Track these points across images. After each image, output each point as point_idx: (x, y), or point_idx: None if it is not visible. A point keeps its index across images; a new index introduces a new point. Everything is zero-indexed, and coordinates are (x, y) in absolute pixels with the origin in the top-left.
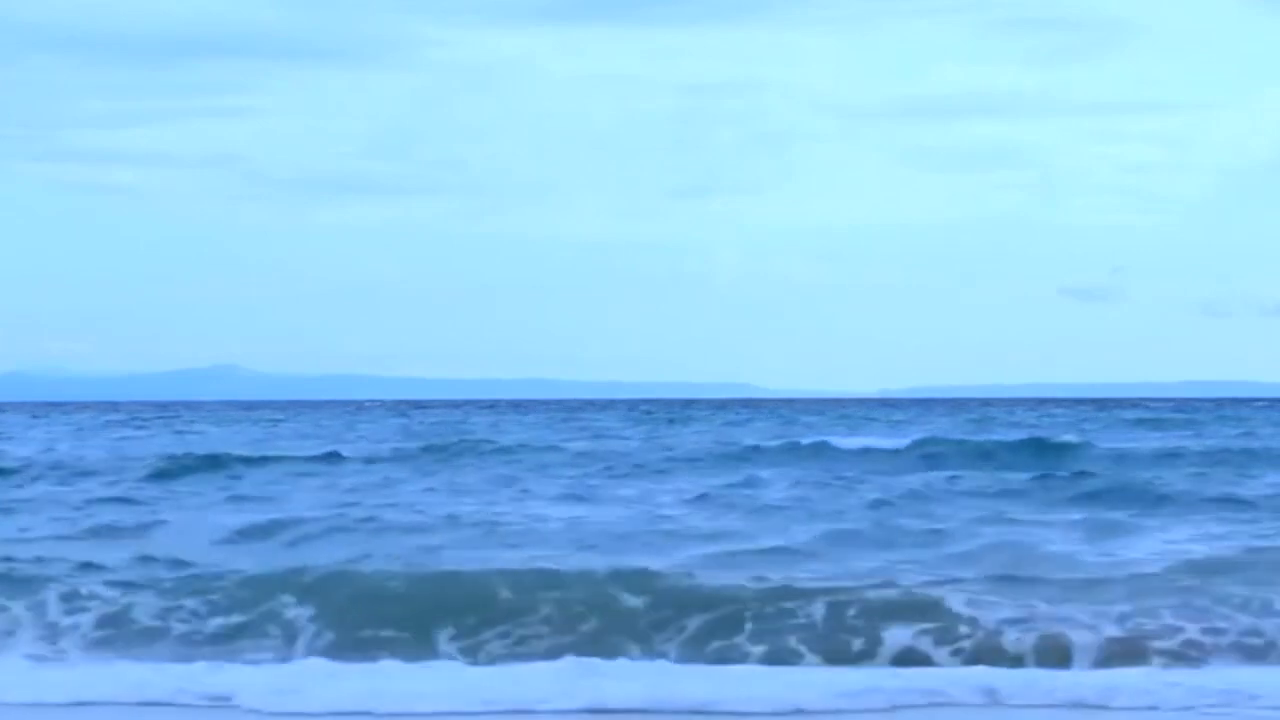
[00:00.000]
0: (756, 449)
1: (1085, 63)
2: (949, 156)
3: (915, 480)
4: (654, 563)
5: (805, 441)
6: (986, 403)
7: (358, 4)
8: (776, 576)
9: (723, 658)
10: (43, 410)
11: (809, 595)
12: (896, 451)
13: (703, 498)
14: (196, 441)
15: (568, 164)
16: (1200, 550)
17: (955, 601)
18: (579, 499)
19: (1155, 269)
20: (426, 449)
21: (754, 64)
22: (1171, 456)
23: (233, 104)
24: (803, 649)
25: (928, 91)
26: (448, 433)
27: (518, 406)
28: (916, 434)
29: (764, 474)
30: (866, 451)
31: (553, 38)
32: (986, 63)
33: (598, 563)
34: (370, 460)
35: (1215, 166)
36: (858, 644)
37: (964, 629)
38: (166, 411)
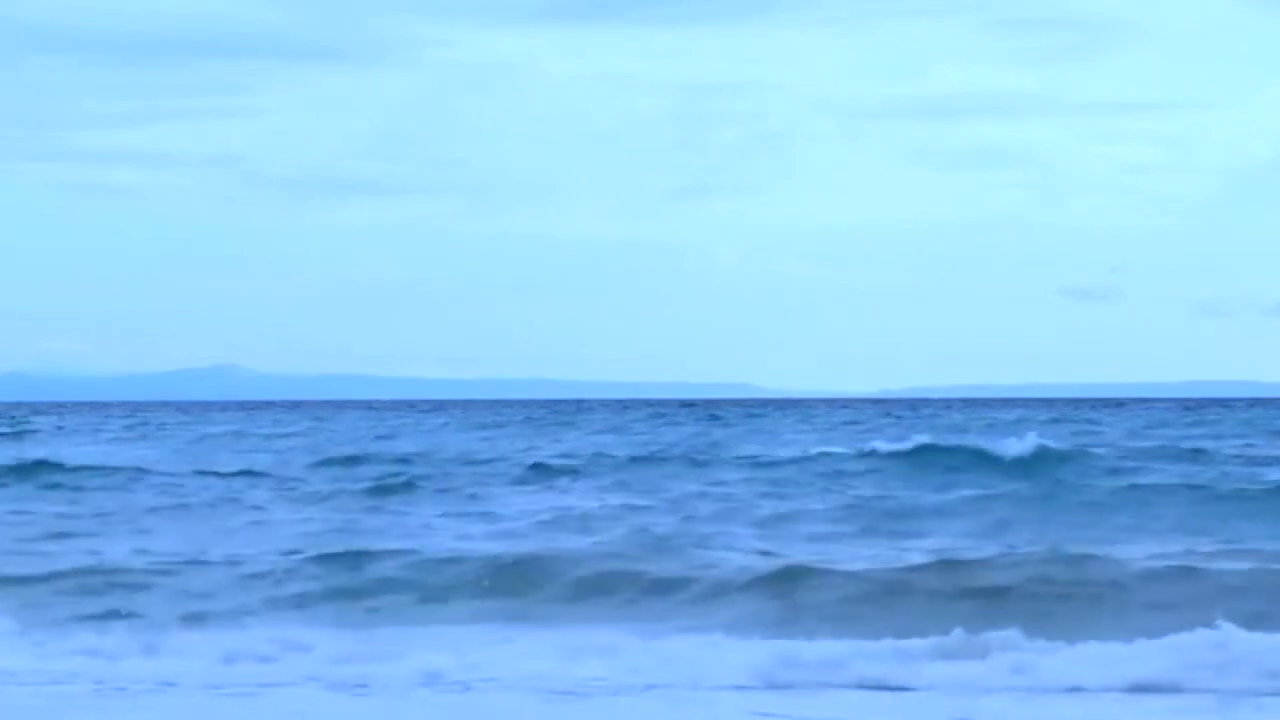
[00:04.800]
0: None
1: (1085, 63)
2: (949, 156)
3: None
4: None
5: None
6: (985, 403)
7: (358, 4)
8: None
9: None
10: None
11: None
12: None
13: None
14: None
15: (568, 164)
16: None
17: None
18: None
19: (1155, 269)
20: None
21: (754, 64)
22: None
23: (233, 104)
24: None
25: (928, 91)
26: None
27: (464, 406)
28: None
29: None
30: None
31: (553, 38)
32: (986, 63)
33: None
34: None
35: (1215, 166)
36: None
37: None
38: (143, 410)
